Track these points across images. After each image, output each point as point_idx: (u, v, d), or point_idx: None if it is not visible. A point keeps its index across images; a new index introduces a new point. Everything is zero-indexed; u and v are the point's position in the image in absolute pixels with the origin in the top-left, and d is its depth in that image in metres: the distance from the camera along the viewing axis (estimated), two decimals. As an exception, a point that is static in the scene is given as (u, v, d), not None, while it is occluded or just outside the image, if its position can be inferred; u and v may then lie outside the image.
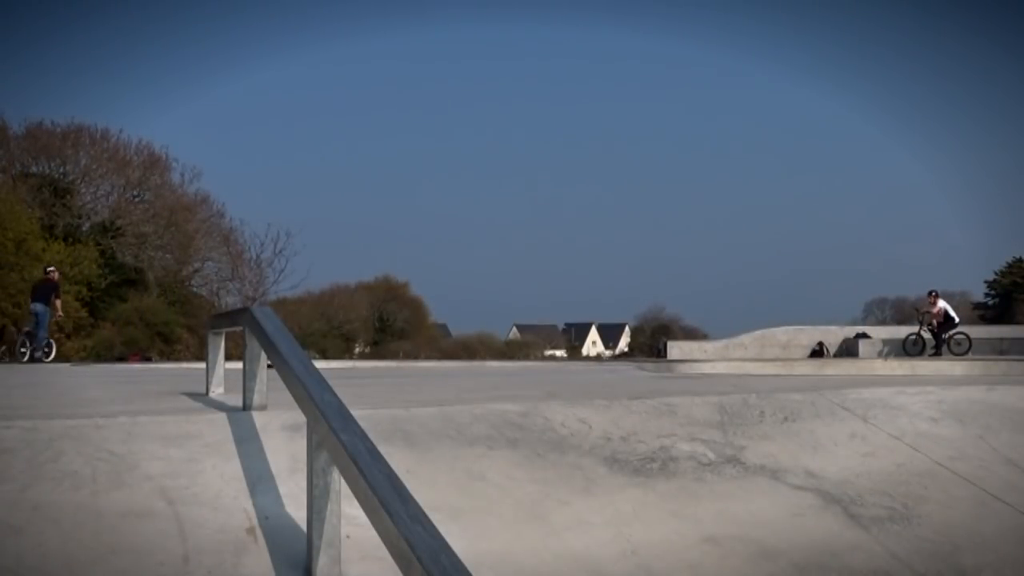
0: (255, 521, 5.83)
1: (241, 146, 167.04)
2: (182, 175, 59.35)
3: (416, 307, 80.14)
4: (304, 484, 5.51)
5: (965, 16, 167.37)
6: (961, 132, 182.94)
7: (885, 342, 40.22)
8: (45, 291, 30.65)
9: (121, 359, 39.02)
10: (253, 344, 7.43)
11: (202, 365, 10.00)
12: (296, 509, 5.86)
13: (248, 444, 6.72)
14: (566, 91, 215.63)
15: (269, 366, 7.00)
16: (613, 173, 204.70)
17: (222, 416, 7.19)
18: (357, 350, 63.81)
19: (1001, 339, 40.01)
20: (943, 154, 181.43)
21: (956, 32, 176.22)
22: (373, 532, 4.30)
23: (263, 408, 7.41)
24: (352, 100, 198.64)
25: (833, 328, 44.28)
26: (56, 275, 31.64)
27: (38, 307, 30.47)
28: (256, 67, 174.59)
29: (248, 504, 5.99)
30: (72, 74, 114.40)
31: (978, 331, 41.76)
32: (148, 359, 39.77)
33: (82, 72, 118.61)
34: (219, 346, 9.39)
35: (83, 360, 37.40)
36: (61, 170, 53.31)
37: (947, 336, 36.22)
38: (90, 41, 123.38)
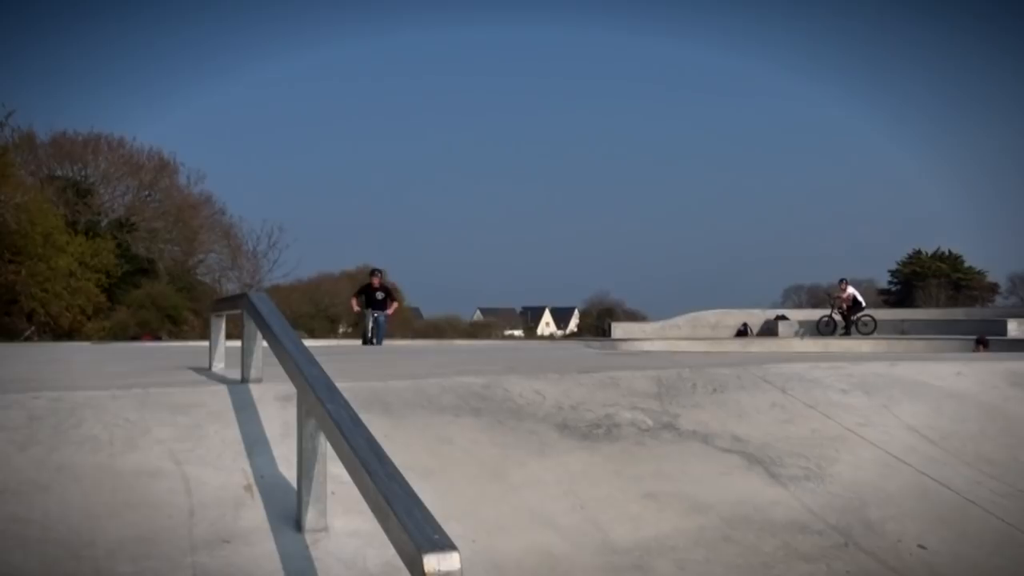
0: (252, 480, 5.83)
1: (239, 149, 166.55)
2: (188, 178, 59.38)
3: (392, 293, 79.88)
4: (295, 447, 5.50)
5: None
6: (867, 140, 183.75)
7: (801, 323, 40.35)
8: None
9: (135, 338, 38.84)
10: (250, 325, 7.41)
11: (206, 343, 9.97)
12: (288, 469, 5.85)
13: (246, 412, 6.71)
14: (524, 101, 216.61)
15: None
16: (564, 174, 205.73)
17: (223, 388, 7.19)
18: (341, 330, 63.58)
19: (902, 321, 40.22)
20: (853, 159, 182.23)
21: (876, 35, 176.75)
22: (355, 489, 4.30)
23: (259, 381, 7.40)
24: (335, 108, 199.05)
25: (756, 311, 44.36)
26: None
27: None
28: (248, 74, 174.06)
29: (246, 465, 5.99)
30: (78, 82, 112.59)
31: (882, 314, 42.03)
32: (159, 338, 39.61)
33: (85, 78, 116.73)
34: (220, 327, 9.37)
35: (102, 339, 37.25)
36: (83, 173, 53.23)
37: (855, 318, 36.36)
38: (96, 52, 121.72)
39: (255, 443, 6.28)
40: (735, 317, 42.78)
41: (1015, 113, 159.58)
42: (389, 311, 26.02)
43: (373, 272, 27.28)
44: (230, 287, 57.41)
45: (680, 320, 43.05)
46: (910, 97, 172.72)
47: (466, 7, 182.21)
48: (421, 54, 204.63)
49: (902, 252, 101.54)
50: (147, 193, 56.35)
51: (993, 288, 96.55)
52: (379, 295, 25.84)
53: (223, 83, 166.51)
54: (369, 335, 25.60)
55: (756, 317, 43.01)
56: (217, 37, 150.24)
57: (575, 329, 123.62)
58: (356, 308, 26.23)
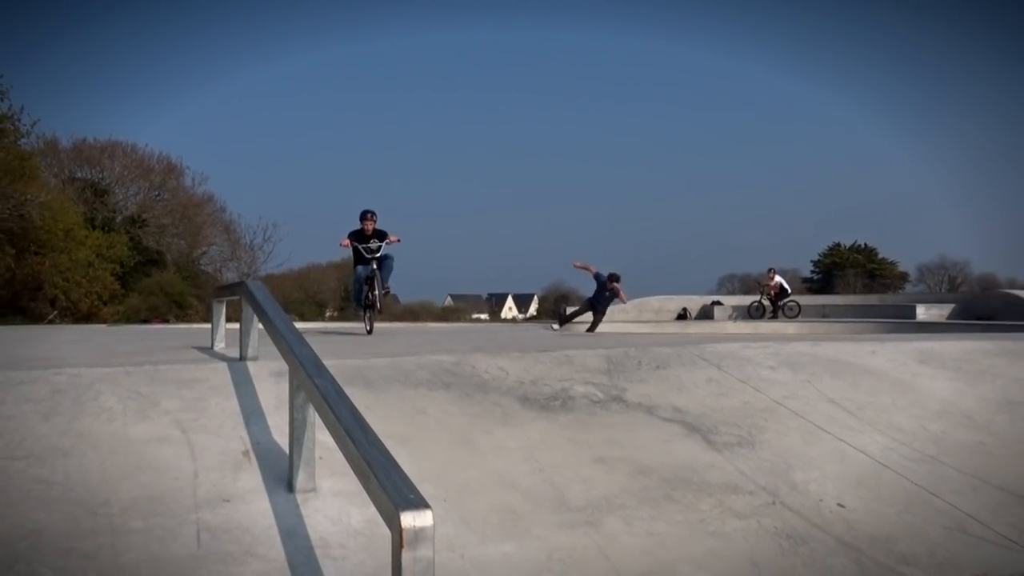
0: (249, 446, 5.82)
1: (238, 153, 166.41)
2: (192, 179, 59.11)
3: (389, 237, 79.21)
4: (287, 418, 5.51)
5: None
6: (792, 146, 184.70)
7: (734, 308, 40.42)
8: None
9: (146, 321, 38.65)
10: (247, 309, 7.40)
11: (208, 326, 9.95)
12: (281, 437, 5.86)
13: (243, 387, 6.71)
14: (491, 111, 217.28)
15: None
16: (526, 175, 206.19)
17: (223, 365, 7.17)
18: (328, 314, 63.48)
19: (824, 306, 40.38)
20: (780, 163, 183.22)
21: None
22: (340, 455, 4.31)
23: (255, 359, 7.39)
24: (323, 116, 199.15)
25: (694, 297, 44.33)
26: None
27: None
28: (244, 77, 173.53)
29: (244, 433, 5.98)
30: (84, 86, 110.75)
31: (806, 300, 42.16)
32: (166, 321, 39.39)
33: (90, 82, 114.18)
34: (221, 311, 9.34)
35: (116, 322, 37.11)
36: (100, 175, 53.02)
37: (782, 303, 36.38)
38: (101, 57, 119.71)
39: (252, 414, 6.27)
40: (676, 302, 42.78)
41: (949, 105, 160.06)
42: (391, 239, 16.67)
43: (365, 214, 16.86)
44: (230, 276, 57.08)
45: (627, 305, 43.06)
46: (842, 99, 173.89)
47: (439, 14, 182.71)
48: (399, 65, 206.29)
49: (823, 245, 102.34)
50: (156, 193, 56.10)
51: (904, 277, 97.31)
52: (374, 243, 16.61)
53: (222, 89, 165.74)
54: (365, 293, 16.80)
55: (694, 302, 43.04)
56: (220, 40, 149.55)
57: (535, 313, 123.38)
58: (345, 243, 16.68)
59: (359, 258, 16.82)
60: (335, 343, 11.78)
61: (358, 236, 16.70)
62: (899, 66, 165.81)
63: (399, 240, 16.90)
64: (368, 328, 16.78)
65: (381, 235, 16.71)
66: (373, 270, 16.44)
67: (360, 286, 16.96)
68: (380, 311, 16.77)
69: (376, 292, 16.47)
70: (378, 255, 16.54)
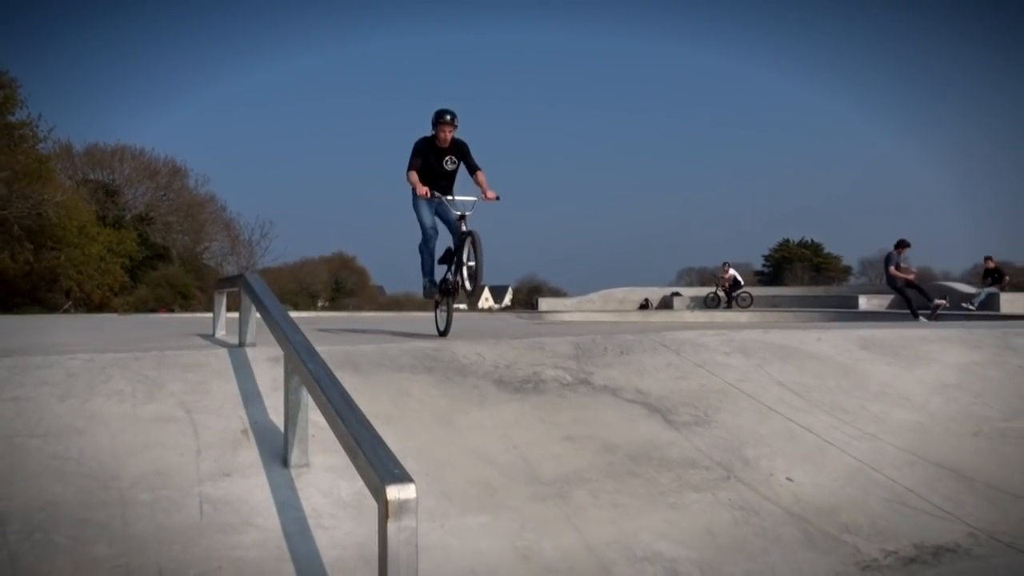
0: (247, 425, 5.81)
1: (238, 156, 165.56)
2: (195, 181, 59.26)
3: (361, 273, 79.17)
4: (282, 399, 5.50)
5: None
6: (742, 150, 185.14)
7: (692, 298, 40.49)
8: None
9: (153, 311, 38.62)
10: (246, 300, 7.38)
11: (210, 315, 9.92)
12: (276, 417, 5.85)
13: (242, 371, 6.68)
14: (468, 117, 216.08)
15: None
16: (502, 176, 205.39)
17: (224, 351, 7.14)
18: (319, 304, 63.53)
19: (774, 296, 40.48)
20: (728, 167, 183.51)
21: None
22: (331, 433, 4.32)
23: (253, 345, 7.36)
24: (315, 122, 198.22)
25: (655, 288, 44.39)
26: None
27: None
28: (243, 80, 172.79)
29: (242, 413, 5.96)
30: (89, 88, 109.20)
31: (758, 291, 42.21)
32: (172, 311, 39.34)
33: (93, 85, 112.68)
34: (222, 301, 9.33)
35: (126, 311, 37.03)
36: (111, 177, 53.07)
37: (736, 294, 36.52)
38: (104, 59, 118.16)
39: (250, 396, 6.26)
40: (639, 293, 42.82)
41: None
42: (488, 195, 9.38)
43: (441, 116, 9.34)
44: (230, 269, 57.10)
45: (594, 295, 42.94)
46: (796, 103, 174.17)
47: (424, 19, 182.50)
48: (384, 71, 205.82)
49: (773, 241, 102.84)
50: (163, 193, 56.06)
51: (847, 270, 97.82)
52: (450, 163, 9.59)
53: (222, 92, 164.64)
54: (445, 272, 9.89)
55: (655, 293, 43.06)
56: (221, 44, 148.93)
57: (509, 303, 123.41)
58: (424, 191, 9.23)
59: (432, 182, 9.64)
60: (326, 332, 11.71)
61: (430, 151, 9.59)
62: (858, 66, 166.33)
63: (498, 197, 9.43)
64: (442, 327, 9.90)
65: (461, 151, 9.66)
66: (463, 232, 9.37)
67: (431, 254, 9.95)
68: (473, 294, 9.40)
69: (464, 271, 9.32)
70: (469, 211, 9.47)
